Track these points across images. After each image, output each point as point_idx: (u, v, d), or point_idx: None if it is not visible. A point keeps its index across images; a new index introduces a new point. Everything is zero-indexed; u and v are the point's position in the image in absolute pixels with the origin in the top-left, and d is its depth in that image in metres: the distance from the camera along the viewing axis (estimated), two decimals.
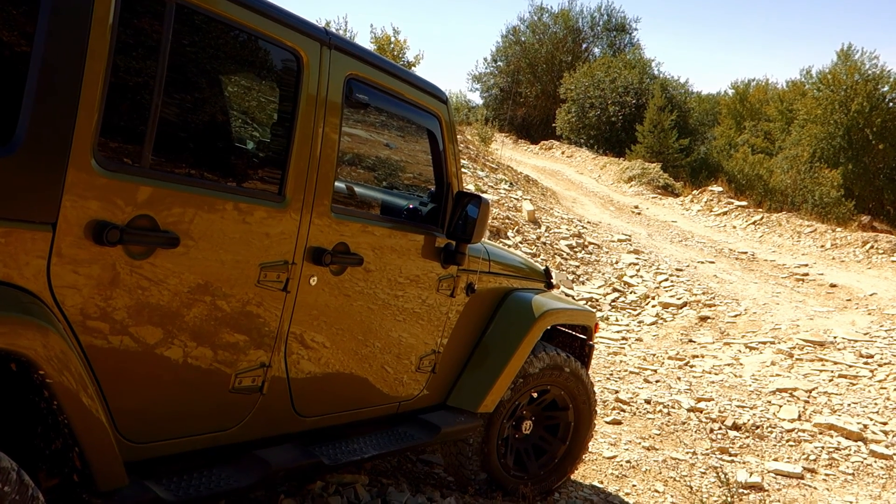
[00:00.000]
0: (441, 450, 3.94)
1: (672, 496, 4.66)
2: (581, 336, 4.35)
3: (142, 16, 2.10)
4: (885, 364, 7.79)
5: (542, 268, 4.38)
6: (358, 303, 2.94)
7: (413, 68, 23.96)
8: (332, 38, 2.71)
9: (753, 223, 16.80)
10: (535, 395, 4.05)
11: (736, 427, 6.00)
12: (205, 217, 2.27)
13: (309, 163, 2.61)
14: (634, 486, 4.75)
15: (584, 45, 38.37)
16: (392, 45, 23.44)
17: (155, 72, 2.11)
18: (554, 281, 4.58)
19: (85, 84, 1.93)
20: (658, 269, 11.68)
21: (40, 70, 1.84)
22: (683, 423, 5.92)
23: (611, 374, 7.03)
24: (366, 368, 3.10)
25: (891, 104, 23.56)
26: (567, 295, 9.55)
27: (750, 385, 7.15)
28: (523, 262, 4.23)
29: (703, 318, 9.65)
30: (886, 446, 5.88)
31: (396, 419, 3.42)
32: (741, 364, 7.88)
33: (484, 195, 3.35)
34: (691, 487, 4.80)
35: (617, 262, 11.94)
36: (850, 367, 7.76)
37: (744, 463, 5.39)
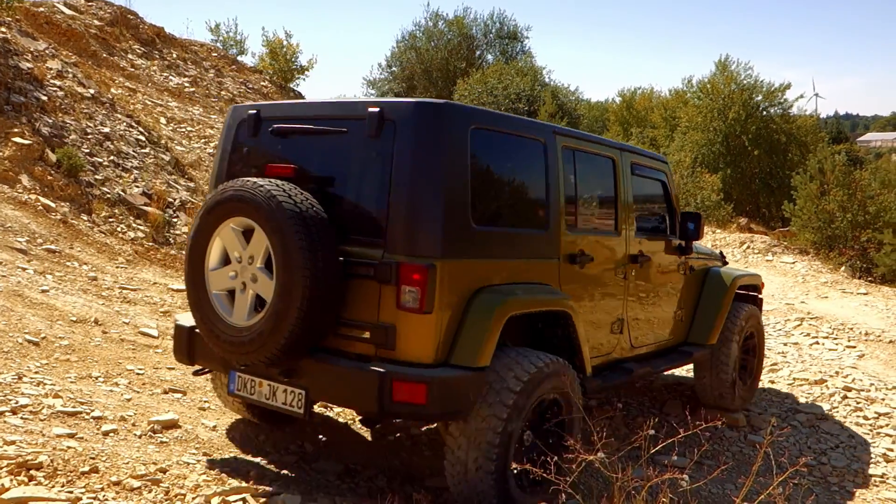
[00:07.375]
0: (698, 373, 6.30)
1: None
2: (753, 294, 6.71)
3: (570, 156, 4.62)
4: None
5: (718, 252, 6.98)
6: (651, 282, 5.44)
7: (307, 73, 23.52)
8: (624, 147, 5.33)
9: None
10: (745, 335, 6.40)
11: None
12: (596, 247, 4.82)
13: (626, 209, 5.15)
14: None
15: (478, 53, 38.82)
16: (284, 49, 22.87)
17: (575, 185, 4.65)
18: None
19: (561, 196, 4.42)
20: None
21: (554, 195, 4.40)
22: None
23: None
24: (657, 318, 5.56)
25: (764, 112, 24.85)
26: None
27: None
28: (708, 249, 6.66)
29: None
30: None
31: (668, 351, 5.79)
32: None
33: (699, 212, 6.45)
34: None
35: None
36: None
37: None
